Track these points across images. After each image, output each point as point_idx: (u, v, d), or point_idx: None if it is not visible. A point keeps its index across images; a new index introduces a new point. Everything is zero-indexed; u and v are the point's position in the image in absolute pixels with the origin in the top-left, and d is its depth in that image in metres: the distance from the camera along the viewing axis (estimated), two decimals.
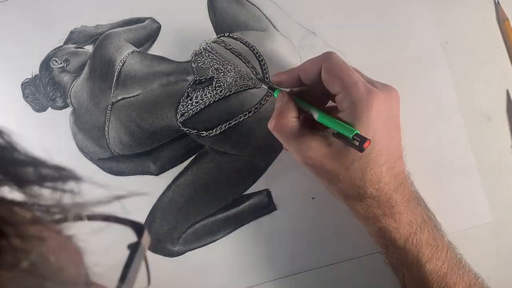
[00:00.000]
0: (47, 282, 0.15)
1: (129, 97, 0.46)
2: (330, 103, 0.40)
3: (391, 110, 0.37)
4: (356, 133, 0.33)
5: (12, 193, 0.16)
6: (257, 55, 0.45)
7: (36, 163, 0.17)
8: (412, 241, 0.37)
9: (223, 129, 0.45)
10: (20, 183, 0.16)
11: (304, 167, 0.39)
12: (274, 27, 0.46)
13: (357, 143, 0.33)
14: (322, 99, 0.40)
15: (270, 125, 0.39)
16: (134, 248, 0.22)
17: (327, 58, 0.37)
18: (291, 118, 0.38)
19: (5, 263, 0.14)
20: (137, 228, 0.23)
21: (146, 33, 0.46)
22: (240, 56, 0.45)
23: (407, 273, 0.37)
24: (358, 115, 0.35)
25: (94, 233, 0.19)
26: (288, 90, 0.41)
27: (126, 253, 0.22)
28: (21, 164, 0.17)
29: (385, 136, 0.36)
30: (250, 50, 0.45)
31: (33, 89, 0.46)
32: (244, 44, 0.46)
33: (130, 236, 0.23)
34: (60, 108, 0.46)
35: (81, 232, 0.19)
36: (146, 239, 0.23)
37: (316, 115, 0.37)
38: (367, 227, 0.39)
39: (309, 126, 0.39)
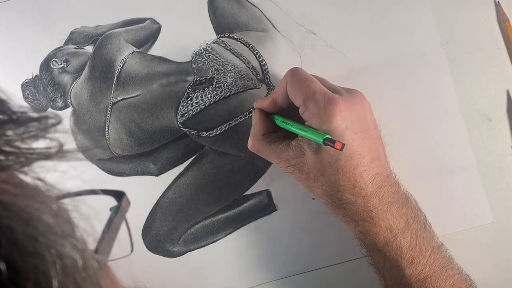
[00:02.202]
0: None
1: (129, 98, 0.46)
2: None
3: (356, 115, 0.37)
4: (327, 138, 0.34)
5: None
6: (257, 56, 0.45)
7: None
8: (392, 246, 0.36)
9: (223, 129, 0.45)
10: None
11: (288, 175, 0.40)
12: (274, 27, 0.46)
13: (331, 147, 0.34)
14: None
15: (249, 146, 0.41)
16: (115, 209, 0.26)
17: (290, 73, 0.38)
18: (265, 136, 0.40)
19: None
20: (118, 195, 0.27)
21: (146, 33, 0.46)
22: (240, 57, 0.45)
23: (388, 276, 0.37)
24: (320, 125, 0.36)
25: (79, 203, 0.20)
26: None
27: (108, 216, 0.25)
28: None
29: (353, 141, 0.36)
30: (250, 50, 0.45)
31: (33, 90, 0.46)
32: (244, 45, 0.46)
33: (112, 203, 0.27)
34: (60, 109, 0.46)
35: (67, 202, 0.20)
36: (126, 202, 0.27)
37: (292, 127, 0.38)
38: (350, 229, 0.39)
39: (290, 136, 0.40)
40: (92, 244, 0.21)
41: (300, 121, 0.38)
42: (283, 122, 0.39)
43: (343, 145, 0.33)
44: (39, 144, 0.18)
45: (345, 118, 0.36)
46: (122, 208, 0.26)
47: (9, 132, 0.17)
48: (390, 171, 0.39)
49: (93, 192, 0.25)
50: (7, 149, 0.17)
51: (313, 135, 0.35)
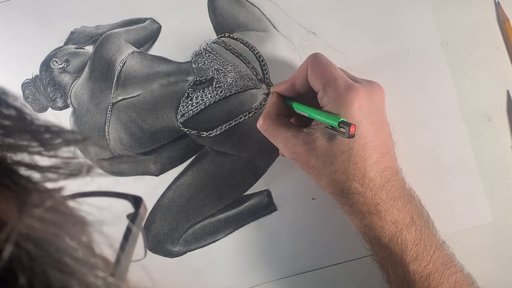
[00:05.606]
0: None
1: (130, 98, 0.46)
2: None
3: (374, 105, 0.37)
4: (342, 121, 0.34)
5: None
6: (257, 56, 0.45)
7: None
8: (397, 241, 0.36)
9: (223, 129, 0.45)
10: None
11: (292, 162, 0.40)
12: (275, 27, 0.46)
13: (343, 131, 0.34)
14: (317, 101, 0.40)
15: (258, 124, 0.41)
16: (133, 217, 0.24)
17: (312, 57, 0.38)
18: (278, 117, 0.40)
19: (32, 201, 0.16)
20: (136, 200, 0.25)
21: (147, 33, 0.46)
22: (240, 57, 0.45)
23: (391, 271, 0.37)
24: (337, 111, 0.36)
25: (96, 208, 0.20)
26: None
27: (125, 223, 0.24)
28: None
29: (368, 131, 0.36)
30: (250, 50, 0.45)
31: (33, 90, 0.46)
32: (244, 45, 0.46)
33: (129, 209, 0.25)
34: (61, 109, 0.47)
35: (84, 207, 0.19)
36: (143, 209, 0.25)
37: (307, 111, 0.38)
38: (354, 223, 0.39)
39: (301, 125, 0.40)
40: (111, 257, 0.20)
41: (316, 107, 0.38)
42: (298, 106, 0.39)
43: (355, 132, 0.33)
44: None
45: (363, 107, 0.36)
46: (140, 216, 0.24)
47: (36, 149, 0.17)
48: (398, 167, 0.39)
49: (107, 194, 0.24)
50: (35, 166, 0.17)
51: (329, 118, 0.35)
